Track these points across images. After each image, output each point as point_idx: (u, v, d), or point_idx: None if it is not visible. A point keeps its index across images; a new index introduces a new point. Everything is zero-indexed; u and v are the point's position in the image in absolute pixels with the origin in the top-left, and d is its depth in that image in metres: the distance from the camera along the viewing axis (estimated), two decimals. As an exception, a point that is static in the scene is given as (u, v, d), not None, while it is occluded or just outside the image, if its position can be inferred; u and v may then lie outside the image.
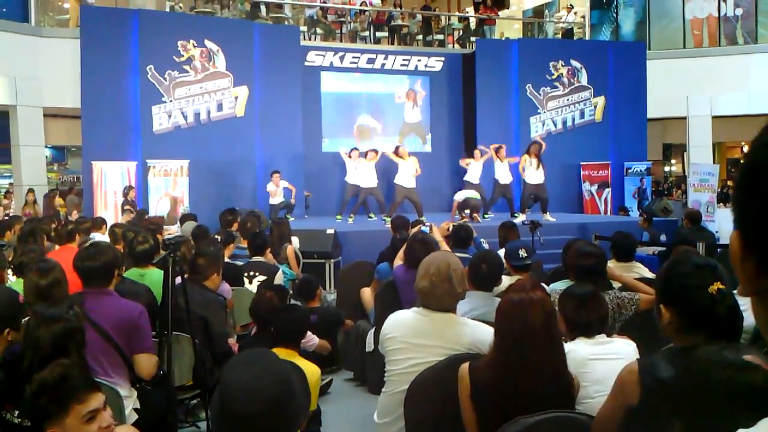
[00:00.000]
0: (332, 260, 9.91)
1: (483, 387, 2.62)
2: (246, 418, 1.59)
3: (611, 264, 5.41)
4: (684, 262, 2.13)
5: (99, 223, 8.31)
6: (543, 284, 4.53)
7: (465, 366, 2.72)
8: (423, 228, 5.78)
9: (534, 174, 12.50)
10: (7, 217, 10.91)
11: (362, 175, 12.55)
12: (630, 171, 16.98)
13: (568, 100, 16.53)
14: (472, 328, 3.13)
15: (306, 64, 15.22)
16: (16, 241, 6.72)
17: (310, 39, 16.17)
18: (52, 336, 2.70)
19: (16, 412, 2.65)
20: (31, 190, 14.67)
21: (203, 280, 4.67)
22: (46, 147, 17.36)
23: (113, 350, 3.35)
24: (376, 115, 16.23)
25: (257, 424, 1.60)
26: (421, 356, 3.06)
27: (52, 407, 2.23)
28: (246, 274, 6.01)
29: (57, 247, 6.64)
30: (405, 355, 3.12)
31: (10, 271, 4.83)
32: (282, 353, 3.15)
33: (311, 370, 3.71)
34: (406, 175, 12.27)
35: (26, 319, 2.96)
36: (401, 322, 3.21)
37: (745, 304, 2.14)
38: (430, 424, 2.97)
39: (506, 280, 4.13)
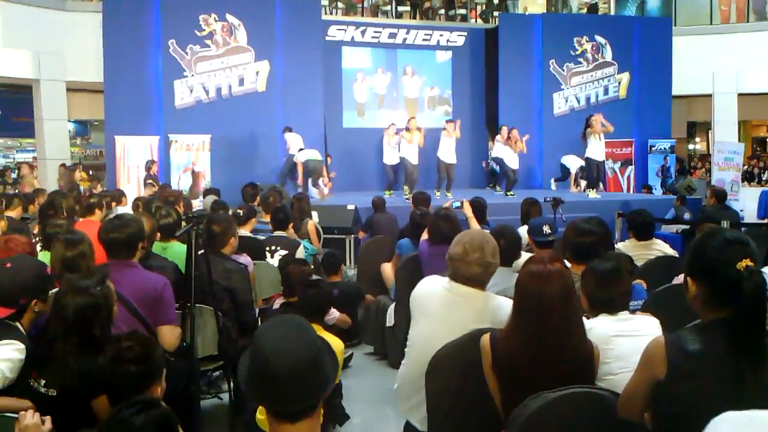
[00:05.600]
0: (353, 236, 9.93)
1: (503, 356, 2.63)
2: (283, 378, 1.62)
3: (629, 243, 5.38)
4: (715, 236, 2.09)
5: (119, 196, 8.34)
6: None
7: (486, 336, 2.73)
8: (454, 203, 5.75)
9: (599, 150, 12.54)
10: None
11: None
12: (654, 149, 16.80)
13: (592, 76, 16.35)
14: (497, 304, 3.14)
15: (327, 38, 15.14)
16: (37, 214, 6.77)
17: (331, 13, 16.08)
18: (76, 306, 2.71)
19: (43, 381, 2.68)
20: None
21: (222, 247, 4.67)
22: (69, 121, 17.47)
23: (137, 322, 3.38)
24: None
25: (293, 384, 1.63)
26: (444, 329, 3.06)
27: (156, 372, 2.51)
28: (268, 248, 6.03)
29: (81, 219, 6.68)
30: (428, 326, 3.15)
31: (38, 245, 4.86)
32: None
33: (336, 344, 3.74)
34: (415, 151, 12.20)
35: (54, 290, 2.99)
36: (430, 292, 3.26)
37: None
38: (450, 397, 2.98)
39: (527, 257, 4.10)
